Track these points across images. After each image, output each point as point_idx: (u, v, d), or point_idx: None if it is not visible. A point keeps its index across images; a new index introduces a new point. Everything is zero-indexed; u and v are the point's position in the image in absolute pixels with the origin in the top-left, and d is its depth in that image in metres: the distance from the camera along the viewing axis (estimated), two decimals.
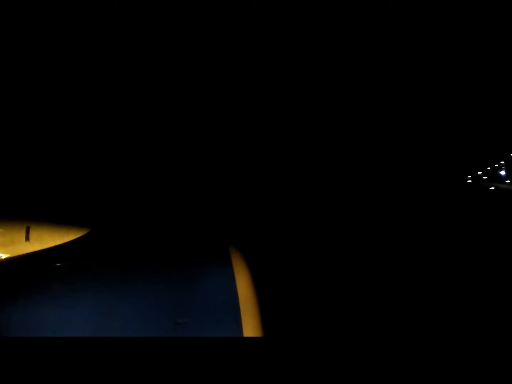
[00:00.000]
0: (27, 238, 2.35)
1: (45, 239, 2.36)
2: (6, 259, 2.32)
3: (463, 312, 5.74)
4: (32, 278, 1.97)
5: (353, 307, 6.06)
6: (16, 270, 2.07)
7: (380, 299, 6.40)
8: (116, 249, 2.25)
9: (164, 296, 1.92)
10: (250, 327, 1.90)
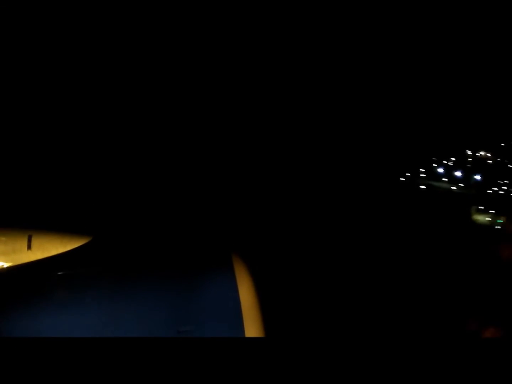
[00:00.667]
0: (29, 247, 2.35)
1: (47, 247, 2.36)
2: (8, 268, 2.31)
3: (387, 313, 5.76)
4: (34, 287, 1.96)
5: (352, 311, 6.04)
6: (18, 278, 2.07)
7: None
8: (117, 257, 2.24)
9: (166, 304, 1.91)
10: (253, 335, 1.88)
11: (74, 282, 2.00)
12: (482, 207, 18.43)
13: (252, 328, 1.89)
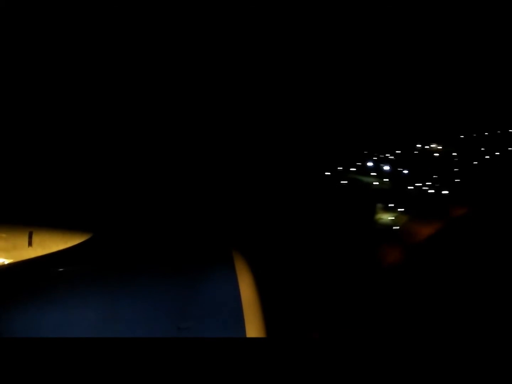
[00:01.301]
0: (29, 243, 2.35)
1: (48, 244, 2.36)
2: (9, 264, 2.31)
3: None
4: (35, 284, 1.96)
5: (354, 308, 6.05)
6: (19, 275, 2.07)
7: None
8: (118, 254, 2.24)
9: (167, 301, 1.91)
10: (254, 331, 1.89)
11: (75, 278, 2.00)
12: (392, 205, 17.71)
13: (252, 324, 1.89)
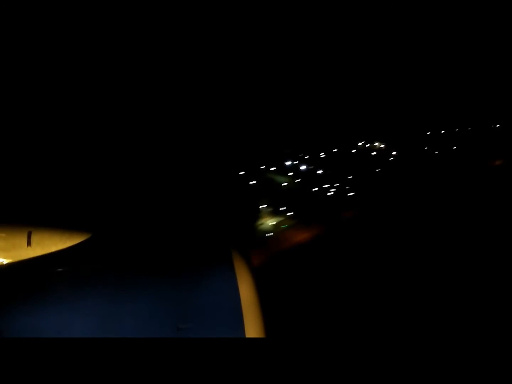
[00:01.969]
0: (28, 243, 2.35)
1: (47, 244, 2.35)
2: (8, 264, 2.31)
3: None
4: (34, 283, 1.96)
5: (353, 309, 6.05)
6: (18, 275, 2.07)
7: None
8: (117, 254, 2.24)
9: (166, 301, 1.90)
10: (253, 331, 1.88)
11: (73, 278, 2.00)
12: (283, 208, 17.29)
13: (252, 324, 1.89)
